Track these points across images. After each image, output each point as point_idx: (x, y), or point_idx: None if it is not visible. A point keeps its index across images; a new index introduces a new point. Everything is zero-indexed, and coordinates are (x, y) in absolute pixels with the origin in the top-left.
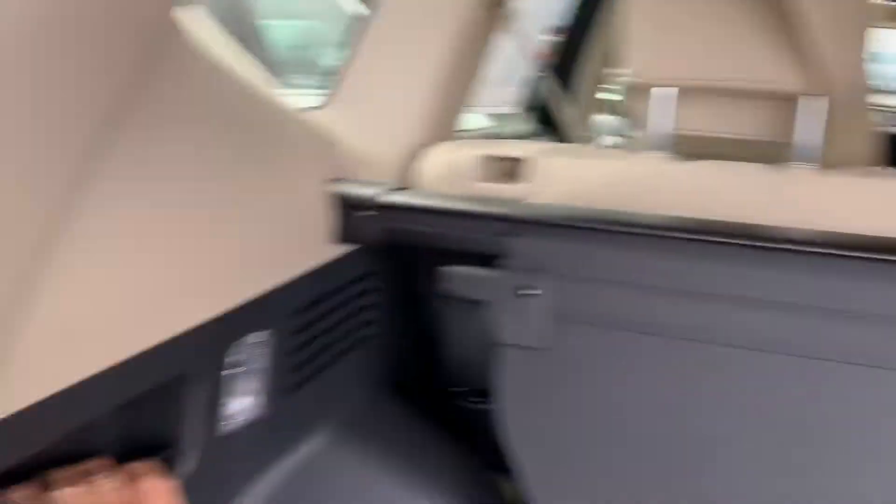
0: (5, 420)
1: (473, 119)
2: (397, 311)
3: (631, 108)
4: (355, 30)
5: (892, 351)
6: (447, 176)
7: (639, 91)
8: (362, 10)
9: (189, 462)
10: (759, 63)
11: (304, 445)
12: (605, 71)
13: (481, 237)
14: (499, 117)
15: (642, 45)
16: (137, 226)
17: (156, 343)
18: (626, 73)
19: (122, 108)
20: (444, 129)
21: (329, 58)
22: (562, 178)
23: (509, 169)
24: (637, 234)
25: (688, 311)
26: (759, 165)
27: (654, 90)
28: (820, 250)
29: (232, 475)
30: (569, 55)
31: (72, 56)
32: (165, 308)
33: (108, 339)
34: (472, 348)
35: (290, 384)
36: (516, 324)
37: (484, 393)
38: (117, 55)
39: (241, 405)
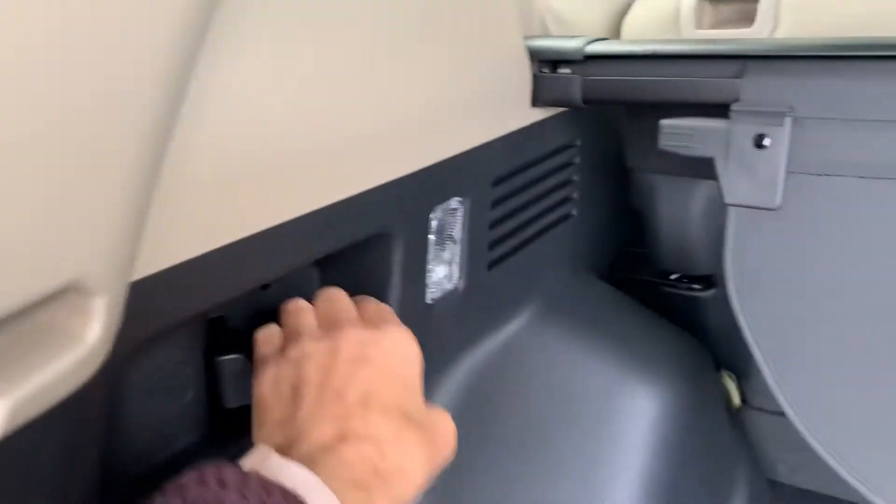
0: (219, 251)
1: None
2: (601, 188)
3: None
4: None
5: None
6: (662, 26)
7: None
8: None
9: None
10: None
11: (507, 323)
12: None
13: (707, 82)
14: None
15: None
16: (332, 68)
17: (355, 193)
18: None
19: None
20: None
21: None
22: (799, 13)
23: (736, 12)
24: (887, 59)
25: None
26: None
27: None
28: None
29: (441, 345)
30: None
31: None
32: (363, 159)
33: (306, 185)
34: (691, 228)
35: (489, 259)
36: (750, 180)
37: (704, 280)
38: None
39: (445, 274)
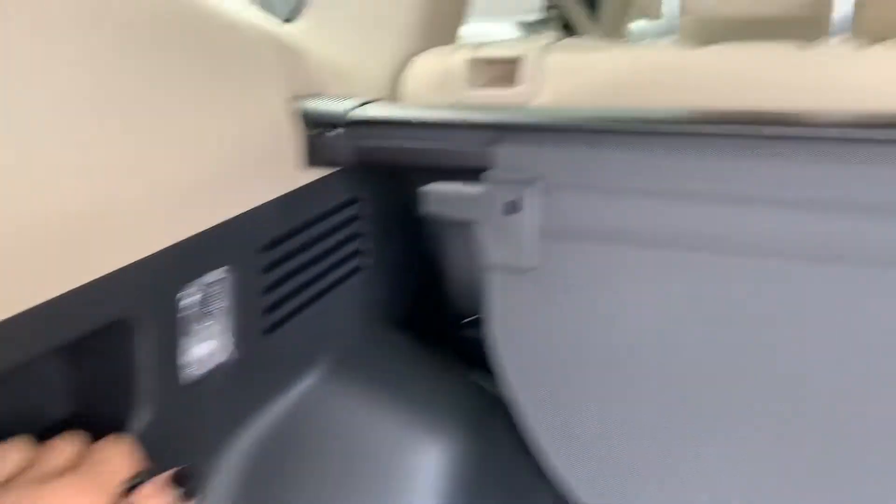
0: None
1: (498, 30)
2: (390, 238)
3: None
4: None
5: None
6: (436, 84)
7: None
8: None
9: (148, 415)
10: None
11: (294, 387)
12: None
13: (464, 149)
14: (529, 25)
15: None
16: (55, 141)
17: (91, 280)
18: None
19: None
20: (439, 36)
21: None
22: (562, 76)
23: (505, 72)
24: (636, 133)
25: (699, 217)
26: (792, 43)
27: None
28: (871, 136)
29: (208, 424)
30: None
31: None
32: (102, 241)
33: (38, 275)
34: (475, 273)
35: (266, 324)
36: (505, 243)
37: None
38: None
39: (206, 350)
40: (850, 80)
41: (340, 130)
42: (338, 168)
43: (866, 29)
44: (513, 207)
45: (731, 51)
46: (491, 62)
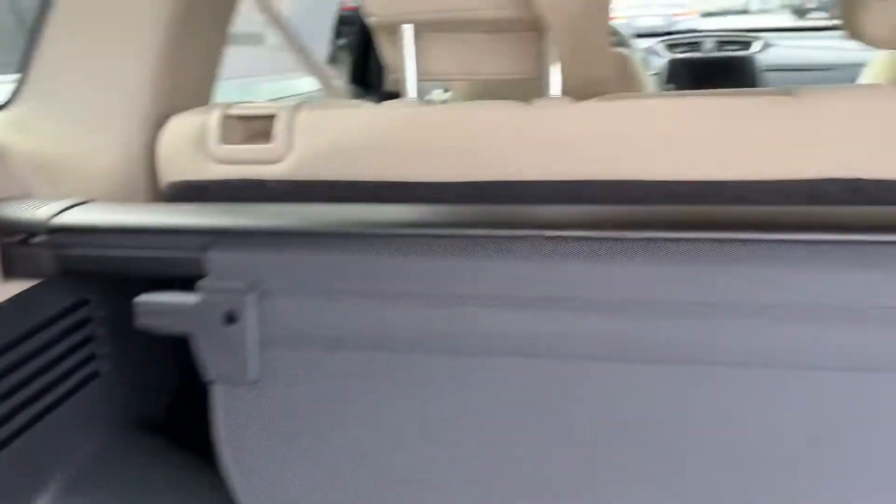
0: None
1: (297, 85)
2: (132, 339)
3: (381, 49)
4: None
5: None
6: (191, 143)
7: (383, 30)
8: None
9: None
10: None
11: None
12: None
13: (176, 256)
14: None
15: None
16: None
17: None
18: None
19: None
20: (191, 100)
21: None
22: (312, 133)
23: (259, 129)
24: (348, 236)
25: (422, 317)
26: (511, 103)
27: (403, 28)
28: (592, 234)
29: None
30: None
31: None
32: None
33: None
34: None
35: None
36: (225, 355)
37: None
38: None
39: None
40: (561, 139)
41: (43, 238)
42: (45, 277)
43: (572, 89)
44: (230, 318)
45: (459, 109)
46: (244, 119)
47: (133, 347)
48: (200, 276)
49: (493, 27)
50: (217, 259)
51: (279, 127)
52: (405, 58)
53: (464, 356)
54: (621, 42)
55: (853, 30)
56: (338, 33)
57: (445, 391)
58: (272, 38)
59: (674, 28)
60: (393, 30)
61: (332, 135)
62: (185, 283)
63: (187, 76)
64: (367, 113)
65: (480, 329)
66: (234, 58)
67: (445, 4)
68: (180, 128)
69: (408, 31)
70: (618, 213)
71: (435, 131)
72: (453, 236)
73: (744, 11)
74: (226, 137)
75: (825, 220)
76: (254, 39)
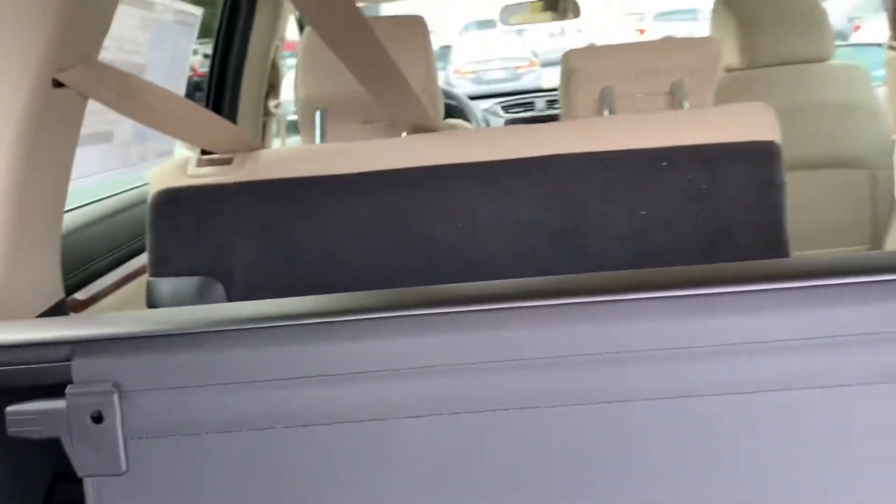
0: None
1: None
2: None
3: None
4: None
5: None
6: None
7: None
8: None
9: None
10: None
11: None
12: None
13: (40, 366)
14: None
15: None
16: None
17: None
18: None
19: None
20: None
21: None
22: (262, 156)
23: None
24: (203, 334)
25: (278, 398)
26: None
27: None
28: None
29: None
30: (221, 85)
31: None
32: None
33: None
34: None
35: None
36: (94, 453)
37: None
38: None
39: None
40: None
41: None
42: None
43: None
44: (97, 417)
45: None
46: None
47: (3, 453)
48: (68, 382)
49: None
50: (81, 365)
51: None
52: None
53: (312, 426)
54: (459, 106)
55: None
56: (188, 98)
57: (299, 462)
58: (120, 134)
59: (519, 80)
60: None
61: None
62: (54, 389)
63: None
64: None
65: (323, 402)
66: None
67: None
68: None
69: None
70: (457, 290)
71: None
72: (289, 326)
73: None
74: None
75: (677, 279)
76: (103, 138)
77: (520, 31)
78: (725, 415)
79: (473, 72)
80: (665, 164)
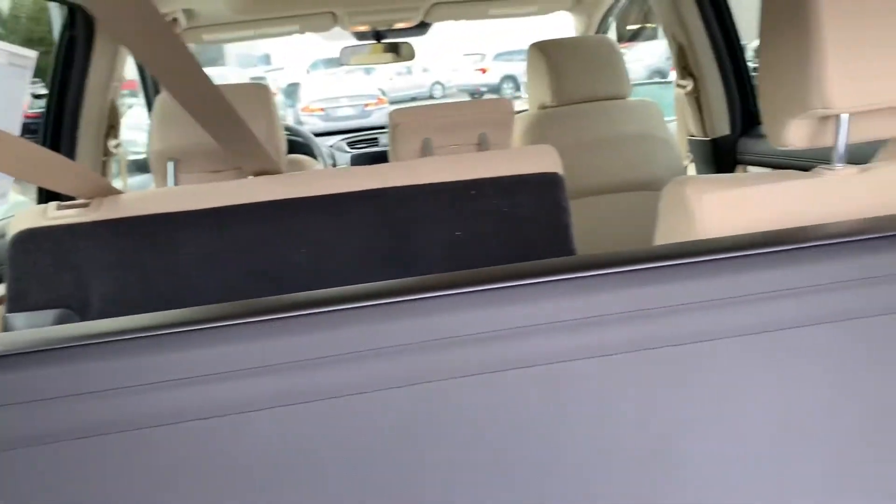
0: None
1: None
2: None
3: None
4: None
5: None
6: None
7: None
8: None
9: None
10: None
11: None
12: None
13: None
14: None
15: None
16: None
17: None
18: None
19: None
20: None
21: None
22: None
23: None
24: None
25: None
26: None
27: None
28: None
29: None
30: (58, 126)
31: None
32: None
33: None
34: None
35: None
36: None
37: None
38: None
39: None
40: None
41: None
42: None
43: None
44: None
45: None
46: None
47: None
48: None
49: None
50: None
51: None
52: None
53: (158, 427)
54: (306, 143)
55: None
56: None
57: (151, 463)
58: None
59: (368, 117)
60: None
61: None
62: None
63: None
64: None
65: (171, 405)
66: None
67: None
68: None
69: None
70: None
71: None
72: (126, 339)
73: (430, 97)
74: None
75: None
76: None
77: (368, 70)
78: (515, 388)
79: (322, 109)
80: (473, 192)
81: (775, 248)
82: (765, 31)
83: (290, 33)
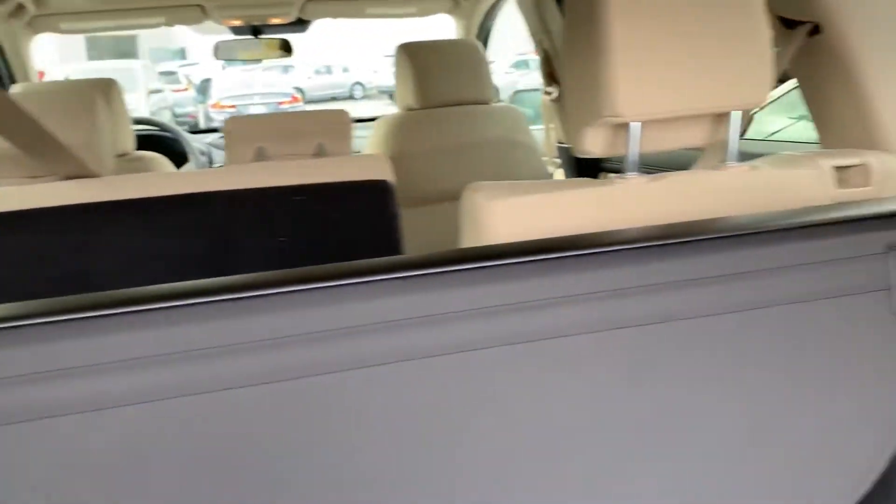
0: None
1: None
2: None
3: None
4: None
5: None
6: None
7: None
8: None
9: None
10: None
11: None
12: None
13: None
14: None
15: None
16: None
17: None
18: None
19: None
20: None
21: None
22: None
23: None
24: None
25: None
26: None
27: None
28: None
29: None
30: None
31: None
32: None
33: None
34: None
35: None
36: None
37: None
38: None
39: None
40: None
41: None
42: None
43: None
44: None
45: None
46: None
47: None
48: None
49: None
50: None
51: None
52: None
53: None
54: (176, 139)
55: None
56: None
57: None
58: None
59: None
60: None
61: None
62: None
63: None
64: None
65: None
66: None
67: None
68: None
69: None
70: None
71: None
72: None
73: (350, 97)
74: None
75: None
76: None
77: (286, 68)
78: (355, 390)
79: (233, 105)
80: (297, 198)
81: (551, 255)
82: (566, 40)
83: (156, 25)
